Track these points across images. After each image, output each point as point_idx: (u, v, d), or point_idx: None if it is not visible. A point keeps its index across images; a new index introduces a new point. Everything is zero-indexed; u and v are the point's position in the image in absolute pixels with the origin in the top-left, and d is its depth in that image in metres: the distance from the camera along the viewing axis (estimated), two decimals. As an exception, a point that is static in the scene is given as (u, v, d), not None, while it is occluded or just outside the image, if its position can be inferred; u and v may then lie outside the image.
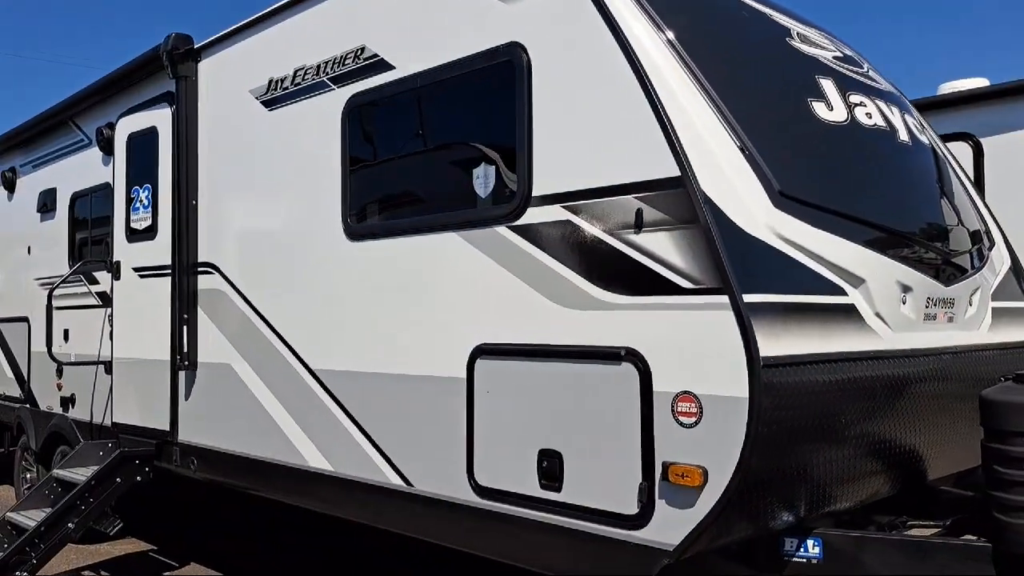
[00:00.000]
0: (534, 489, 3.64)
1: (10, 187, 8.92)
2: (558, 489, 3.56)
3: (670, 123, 3.25)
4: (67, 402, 7.57)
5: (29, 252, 8.47)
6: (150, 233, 6.37)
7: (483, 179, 3.87)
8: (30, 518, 6.13)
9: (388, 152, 4.60)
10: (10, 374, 8.80)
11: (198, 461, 5.81)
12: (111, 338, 6.85)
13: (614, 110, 3.43)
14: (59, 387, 7.73)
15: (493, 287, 3.85)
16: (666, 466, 3.21)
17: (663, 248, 3.25)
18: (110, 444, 6.63)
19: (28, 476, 8.42)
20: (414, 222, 4.29)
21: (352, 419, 4.56)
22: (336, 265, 4.74)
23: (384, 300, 4.43)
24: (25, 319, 8.43)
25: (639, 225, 3.31)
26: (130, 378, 6.56)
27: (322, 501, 4.89)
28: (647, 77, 3.32)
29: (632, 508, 3.31)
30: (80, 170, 7.57)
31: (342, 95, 4.72)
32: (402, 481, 4.27)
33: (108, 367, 6.82)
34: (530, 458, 3.67)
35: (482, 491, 3.87)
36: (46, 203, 8.10)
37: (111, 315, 6.89)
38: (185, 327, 5.82)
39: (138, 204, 6.52)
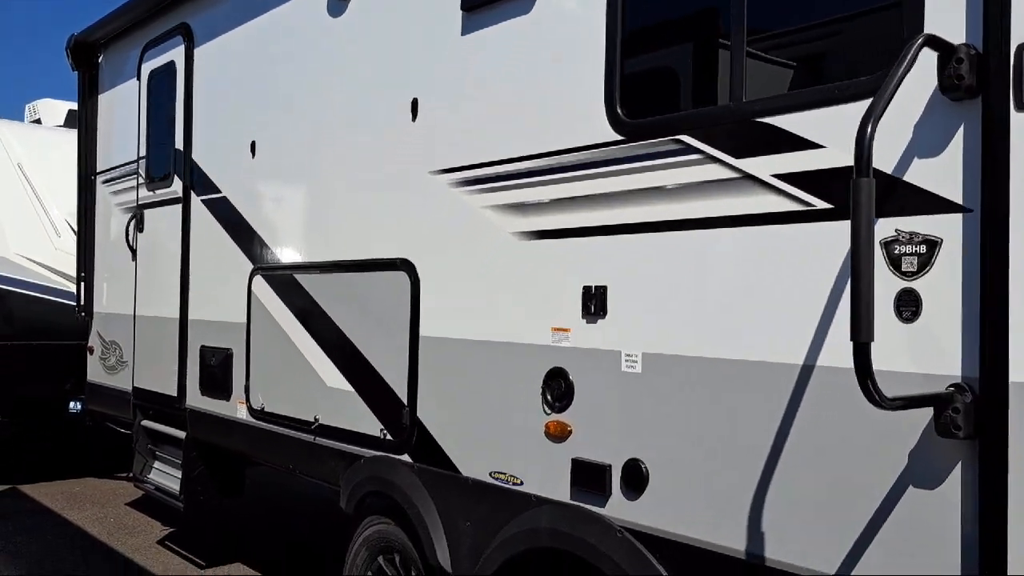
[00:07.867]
0: None
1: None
2: None
3: None
4: (640, 480, 2.80)
5: (414, 116, 3.70)
6: None
7: None
8: None
9: None
10: (342, 382, 4.05)
11: None
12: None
13: None
14: (556, 430, 2.97)
15: None
16: None
17: None
18: None
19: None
20: None
21: None
22: None
23: None
24: (403, 264, 3.70)
25: None
26: None
27: None
28: None
29: None
30: None
31: None
32: None
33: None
34: None
35: None
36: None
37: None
38: None
39: None
